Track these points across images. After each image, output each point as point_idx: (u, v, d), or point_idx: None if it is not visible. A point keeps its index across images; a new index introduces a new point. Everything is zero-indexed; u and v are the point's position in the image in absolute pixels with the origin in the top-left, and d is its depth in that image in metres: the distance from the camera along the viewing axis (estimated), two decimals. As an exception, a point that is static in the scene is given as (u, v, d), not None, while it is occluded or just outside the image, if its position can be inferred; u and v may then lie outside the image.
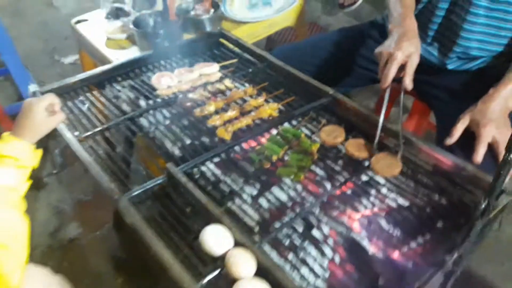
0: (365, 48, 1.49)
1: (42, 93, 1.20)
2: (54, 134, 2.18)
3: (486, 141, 1.07)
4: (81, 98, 1.27)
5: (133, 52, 1.61)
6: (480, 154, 1.06)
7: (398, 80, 1.45)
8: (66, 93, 1.27)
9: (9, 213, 0.77)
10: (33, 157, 0.91)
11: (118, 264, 1.68)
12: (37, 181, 1.99)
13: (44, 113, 0.98)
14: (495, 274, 1.56)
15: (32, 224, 1.78)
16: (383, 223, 0.96)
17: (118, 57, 1.56)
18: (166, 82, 1.30)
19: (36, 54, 2.88)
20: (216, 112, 1.20)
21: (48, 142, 2.18)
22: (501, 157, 1.05)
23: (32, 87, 1.19)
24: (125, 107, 1.26)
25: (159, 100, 1.28)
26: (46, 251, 1.72)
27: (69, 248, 1.74)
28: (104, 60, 1.61)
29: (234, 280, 0.77)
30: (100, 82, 1.33)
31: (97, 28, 1.75)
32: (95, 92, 1.29)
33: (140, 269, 1.62)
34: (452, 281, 0.89)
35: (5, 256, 0.69)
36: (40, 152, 0.97)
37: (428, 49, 1.35)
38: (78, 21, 1.83)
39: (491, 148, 1.08)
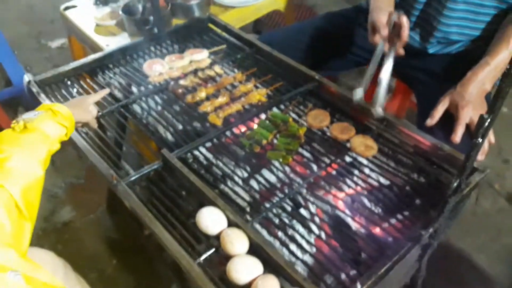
0: (351, 33, 1.54)
1: (37, 82, 1.23)
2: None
3: (464, 122, 1.14)
4: (75, 86, 1.30)
5: (122, 38, 1.63)
6: (458, 134, 1.12)
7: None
8: (60, 82, 1.30)
9: (34, 168, 0.79)
10: (71, 124, 0.96)
11: (112, 245, 1.73)
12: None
13: (91, 104, 1.11)
14: (472, 246, 1.66)
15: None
16: (366, 201, 1.02)
17: (108, 43, 1.59)
18: (157, 69, 1.34)
19: (22, 39, 2.86)
20: (207, 98, 1.24)
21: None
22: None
23: (27, 77, 1.21)
24: (118, 94, 1.30)
25: (150, 86, 1.31)
26: (41, 234, 1.76)
27: (64, 231, 1.78)
28: (94, 47, 1.63)
29: (228, 257, 0.84)
30: (92, 70, 1.36)
31: (86, 15, 1.76)
32: (88, 80, 1.32)
33: (134, 250, 1.68)
34: (429, 253, 0.96)
35: (25, 225, 0.73)
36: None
37: (411, 34, 1.40)
38: (67, 7, 1.84)
39: (469, 129, 1.15)
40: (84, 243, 1.73)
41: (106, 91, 1.19)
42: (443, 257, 1.60)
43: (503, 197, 1.84)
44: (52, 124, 0.88)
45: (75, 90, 1.29)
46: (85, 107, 1.08)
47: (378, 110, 1.13)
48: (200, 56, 1.39)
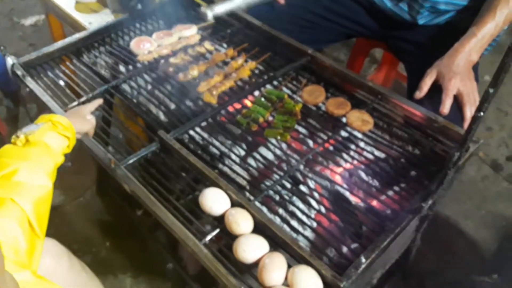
0: (335, 3, 1.52)
1: (21, 65, 1.18)
2: (24, 102, 2.12)
3: (452, 93, 1.15)
4: (62, 67, 1.25)
5: (105, 15, 1.57)
6: (446, 106, 1.13)
7: (372, 36, 1.50)
8: (44, 63, 1.25)
9: (43, 181, 0.76)
10: (73, 135, 0.91)
11: (104, 227, 1.71)
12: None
13: (88, 113, 1.04)
14: (458, 213, 1.71)
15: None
16: (363, 175, 1.04)
17: (90, 21, 1.53)
18: (145, 46, 1.30)
19: (-7, 17, 2.73)
20: (200, 76, 1.22)
21: (18, 111, 2.13)
22: (465, 108, 1.14)
23: (11, 59, 1.16)
24: (106, 74, 1.27)
25: (139, 65, 1.28)
26: (32, 219, 1.73)
27: (54, 215, 1.74)
28: (75, 25, 1.57)
29: (233, 237, 0.84)
30: (77, 50, 1.31)
31: (64, -9, 1.69)
32: (74, 61, 1.28)
33: (127, 231, 1.67)
34: (425, 224, 0.99)
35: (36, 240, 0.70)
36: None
37: (400, 6, 1.39)
38: (42, -17, 1.75)
39: (457, 100, 1.17)
40: (76, 227, 1.71)
41: (100, 100, 1.12)
42: (431, 224, 1.65)
43: (487, 164, 1.90)
44: (55, 136, 0.84)
45: (65, 75, 1.24)
46: (83, 117, 1.02)
47: (209, 14, 1.28)
48: (189, 32, 1.35)
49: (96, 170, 1.75)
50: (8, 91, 2.18)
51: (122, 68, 1.30)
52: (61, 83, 1.20)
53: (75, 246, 1.63)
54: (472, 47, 1.18)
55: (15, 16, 2.75)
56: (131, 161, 0.98)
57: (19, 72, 1.16)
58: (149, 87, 1.23)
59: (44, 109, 1.15)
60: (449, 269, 1.52)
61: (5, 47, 1.25)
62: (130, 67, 1.29)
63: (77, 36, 1.31)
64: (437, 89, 1.17)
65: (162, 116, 1.17)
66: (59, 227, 1.71)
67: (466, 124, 1.15)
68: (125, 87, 1.23)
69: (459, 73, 1.16)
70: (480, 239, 1.62)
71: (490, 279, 1.41)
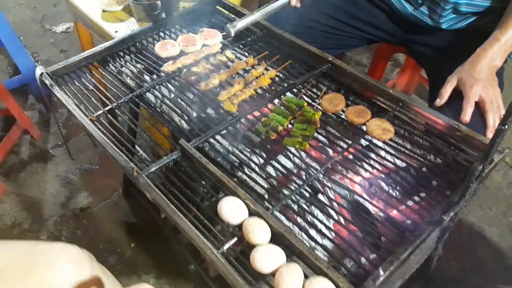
0: (356, 8, 1.51)
1: (49, 74, 1.23)
2: (55, 107, 2.20)
3: (473, 101, 1.12)
4: (88, 76, 1.29)
5: (131, 24, 1.61)
6: (467, 114, 1.11)
7: (393, 41, 1.49)
8: (72, 72, 1.29)
9: None
10: None
11: (130, 229, 1.77)
12: (44, 154, 2.05)
13: None
14: (483, 220, 1.68)
15: (43, 195, 1.86)
16: (383, 184, 1.03)
17: (116, 30, 1.57)
18: (169, 50, 1.33)
19: (26, 24, 2.83)
20: (221, 84, 1.24)
21: (50, 115, 2.21)
22: (488, 115, 1.12)
23: (39, 69, 1.21)
24: (131, 83, 1.30)
25: (163, 74, 1.31)
26: (59, 221, 1.80)
27: (82, 217, 1.82)
28: (102, 33, 1.62)
29: (251, 247, 0.85)
30: (103, 58, 1.35)
31: (92, 0, 1.74)
32: (100, 69, 1.32)
33: (151, 233, 1.72)
34: (447, 235, 0.98)
35: None
36: None
37: (421, 9, 1.37)
38: (72, -7, 1.81)
39: (479, 107, 1.14)
40: (102, 228, 1.77)
41: None
42: (455, 231, 1.62)
43: (514, 170, 1.85)
44: None
45: (86, 80, 1.28)
46: None
47: (232, 31, 1.31)
48: (212, 42, 1.37)
49: (122, 173, 1.81)
50: (40, 96, 2.27)
51: (146, 76, 1.33)
52: (87, 92, 1.24)
53: (101, 246, 1.68)
54: (495, 52, 1.15)
55: (47, 23, 2.85)
56: (153, 170, 1.00)
57: (47, 82, 1.21)
58: (172, 95, 1.26)
59: (71, 116, 1.19)
60: (473, 277, 1.49)
61: (37, 54, 1.29)
62: (154, 76, 1.32)
63: (103, 45, 1.35)
64: (459, 96, 1.15)
65: (184, 125, 1.19)
66: (87, 228, 1.77)
67: (488, 132, 1.12)
68: (149, 96, 1.26)
69: (481, 80, 1.13)
70: (506, 246, 1.58)
71: (515, 289, 1.38)
